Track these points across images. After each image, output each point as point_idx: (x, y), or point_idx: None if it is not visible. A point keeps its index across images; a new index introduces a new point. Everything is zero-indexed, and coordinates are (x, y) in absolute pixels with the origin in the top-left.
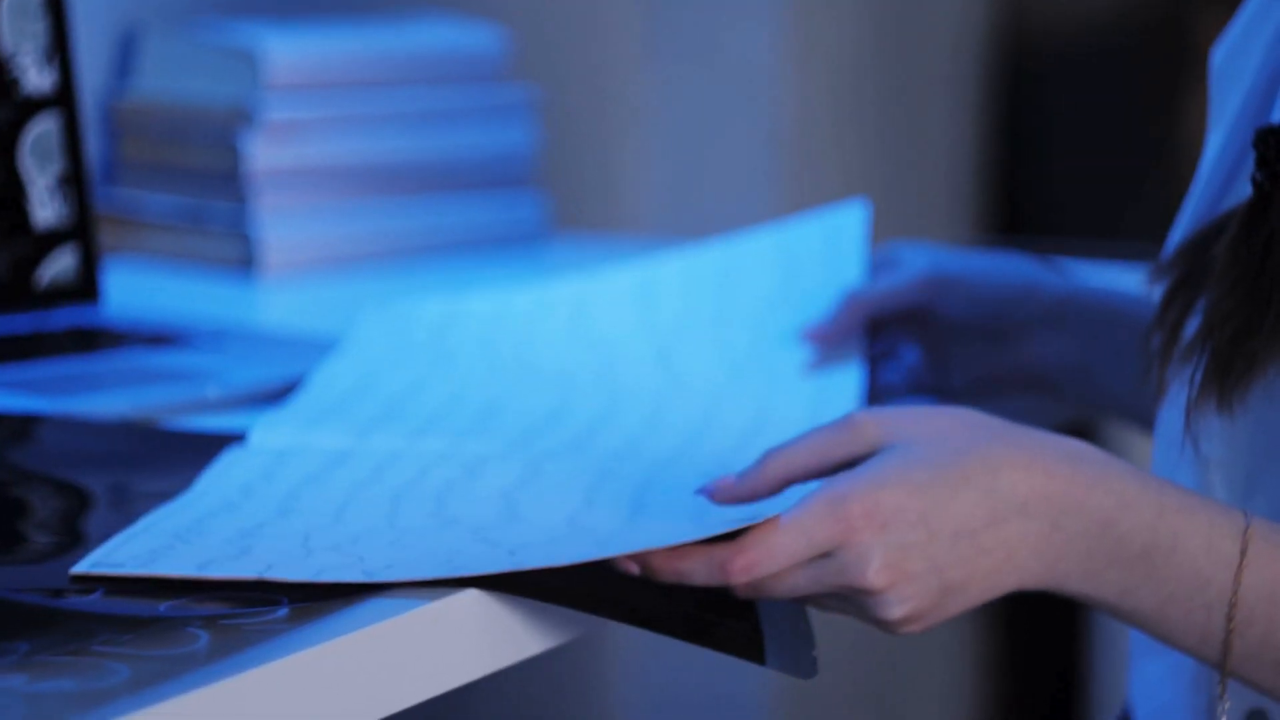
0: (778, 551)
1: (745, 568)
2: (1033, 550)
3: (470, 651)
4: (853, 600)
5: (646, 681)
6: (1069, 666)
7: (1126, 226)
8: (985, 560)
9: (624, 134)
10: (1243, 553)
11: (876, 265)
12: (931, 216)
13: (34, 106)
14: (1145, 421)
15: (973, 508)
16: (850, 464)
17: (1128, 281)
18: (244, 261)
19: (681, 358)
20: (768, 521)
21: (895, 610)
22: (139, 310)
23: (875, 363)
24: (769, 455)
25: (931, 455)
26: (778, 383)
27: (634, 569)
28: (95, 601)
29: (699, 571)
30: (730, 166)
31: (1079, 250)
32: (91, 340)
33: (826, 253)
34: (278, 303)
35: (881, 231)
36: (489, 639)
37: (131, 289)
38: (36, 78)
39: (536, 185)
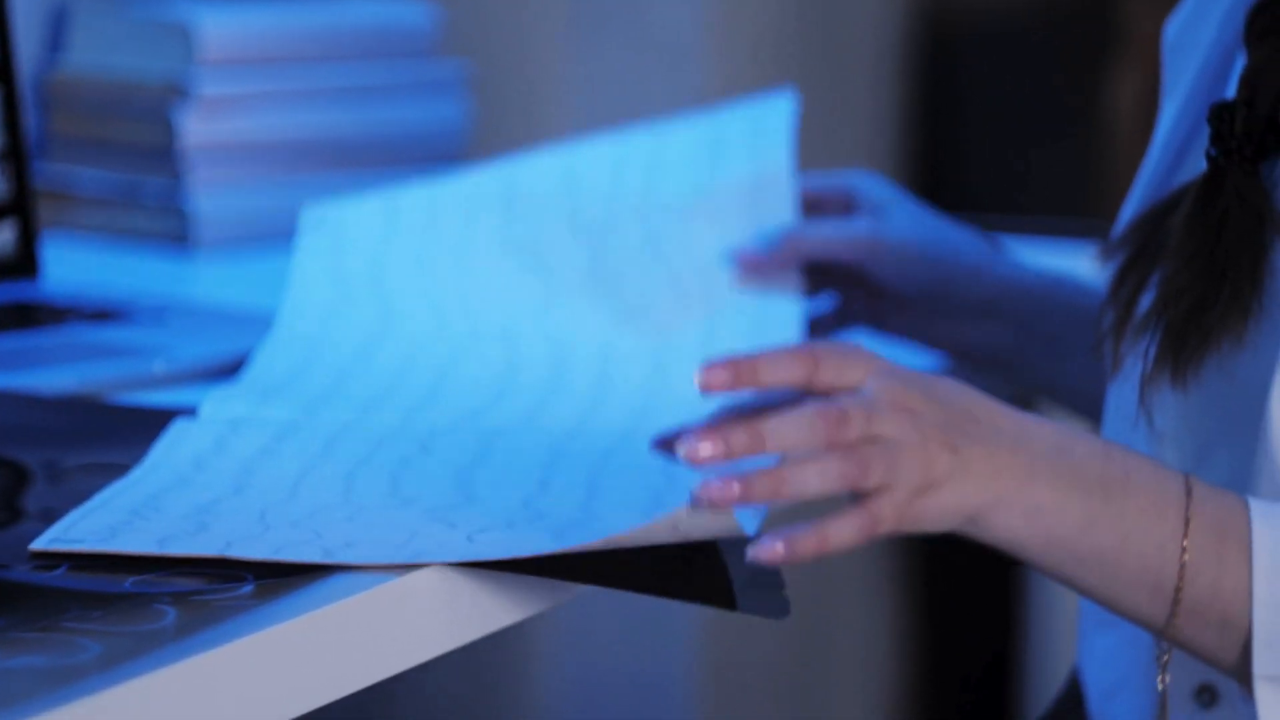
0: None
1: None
2: (1005, 464)
3: (437, 626)
4: (856, 449)
5: (571, 667)
6: (1003, 642)
7: (1045, 203)
8: (980, 433)
9: (551, 108)
10: (1189, 488)
11: (831, 193)
12: None
13: None
14: (1075, 404)
15: (951, 399)
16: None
17: (1062, 263)
18: (179, 236)
19: (617, 264)
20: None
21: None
22: (78, 286)
23: (807, 301)
24: (762, 354)
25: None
26: (721, 317)
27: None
28: (60, 577)
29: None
30: None
31: (995, 226)
32: (32, 316)
33: (753, 141)
34: (213, 277)
35: None
36: (455, 614)
37: (68, 264)
38: None
39: (467, 160)
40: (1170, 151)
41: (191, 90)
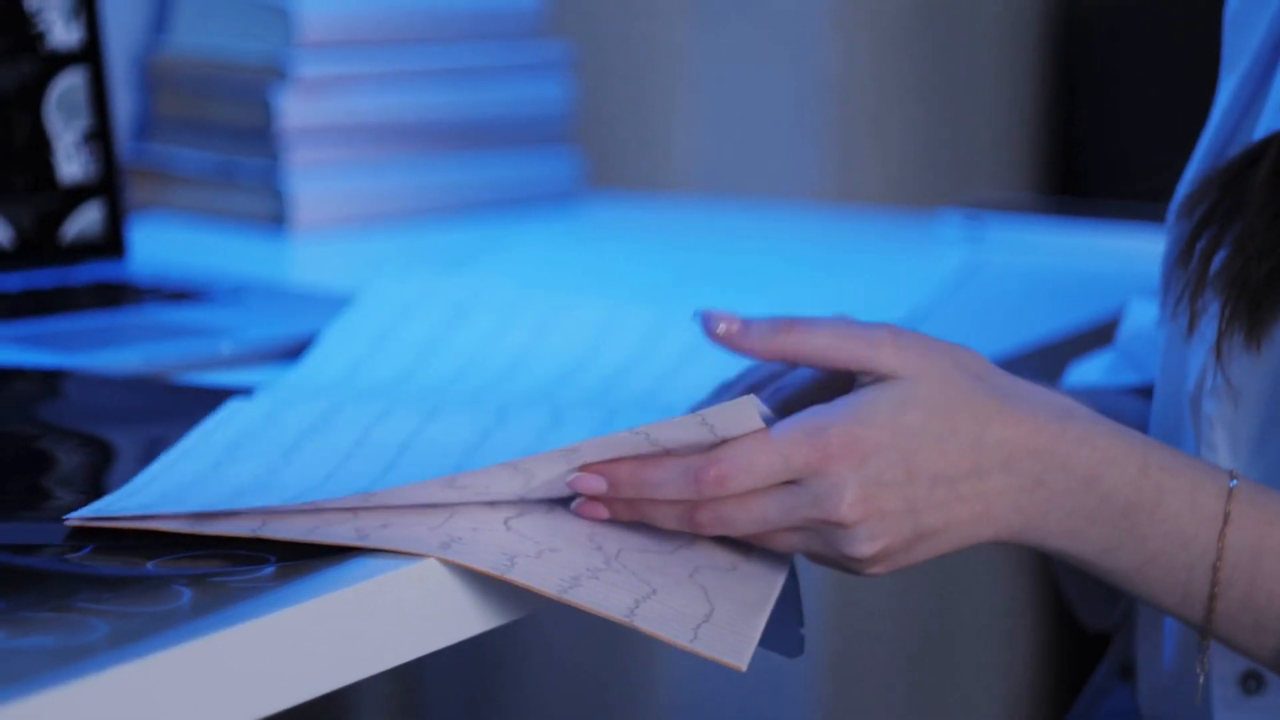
0: (753, 467)
1: (718, 478)
2: (1012, 504)
3: (458, 612)
4: (822, 534)
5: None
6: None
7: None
8: (962, 509)
9: (669, 91)
10: (1227, 512)
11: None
12: (983, 173)
13: (60, 61)
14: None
15: (956, 457)
16: (846, 381)
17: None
18: (275, 217)
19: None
20: (746, 437)
21: (865, 546)
22: (165, 266)
23: None
24: (786, 322)
25: (925, 398)
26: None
27: (600, 485)
28: (80, 562)
29: (669, 482)
30: (775, 122)
31: (1140, 213)
32: (114, 295)
33: None
34: (307, 258)
35: (933, 189)
36: (477, 599)
37: (162, 244)
38: (63, 32)
39: (572, 143)
40: (1229, 122)
41: (290, 71)
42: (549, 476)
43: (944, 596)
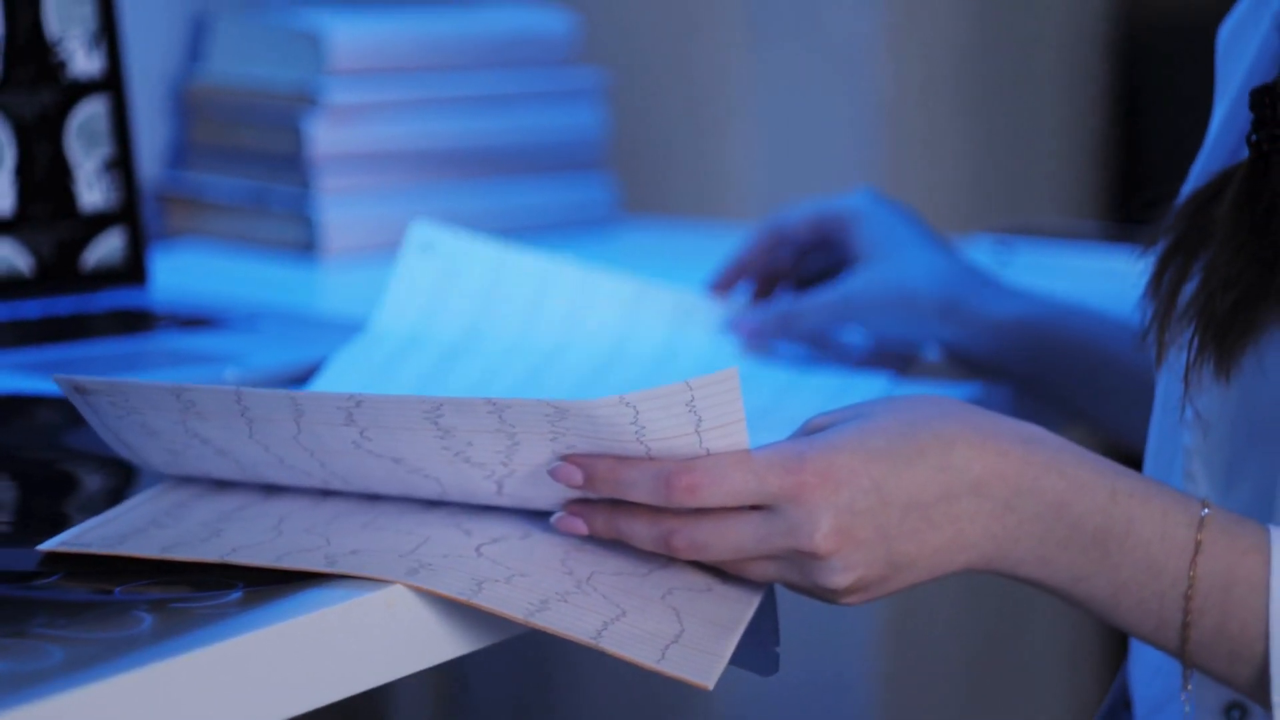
0: (726, 481)
1: (690, 486)
2: (984, 530)
3: (426, 638)
4: (796, 564)
5: None
6: None
7: None
8: (935, 535)
9: (720, 115)
10: (1198, 541)
11: (823, 230)
12: (1038, 198)
13: (81, 90)
14: (1122, 434)
15: (926, 481)
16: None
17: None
18: (306, 244)
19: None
20: (724, 454)
21: (839, 578)
22: (187, 293)
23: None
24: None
25: (889, 425)
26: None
27: (577, 477)
28: (45, 586)
29: (642, 483)
30: (827, 146)
31: None
32: (131, 323)
33: None
34: (337, 285)
35: (987, 213)
36: (446, 625)
37: (192, 271)
38: (84, 61)
39: (606, 169)
40: (1220, 150)
41: (321, 99)
42: (530, 436)
43: (1005, 611)
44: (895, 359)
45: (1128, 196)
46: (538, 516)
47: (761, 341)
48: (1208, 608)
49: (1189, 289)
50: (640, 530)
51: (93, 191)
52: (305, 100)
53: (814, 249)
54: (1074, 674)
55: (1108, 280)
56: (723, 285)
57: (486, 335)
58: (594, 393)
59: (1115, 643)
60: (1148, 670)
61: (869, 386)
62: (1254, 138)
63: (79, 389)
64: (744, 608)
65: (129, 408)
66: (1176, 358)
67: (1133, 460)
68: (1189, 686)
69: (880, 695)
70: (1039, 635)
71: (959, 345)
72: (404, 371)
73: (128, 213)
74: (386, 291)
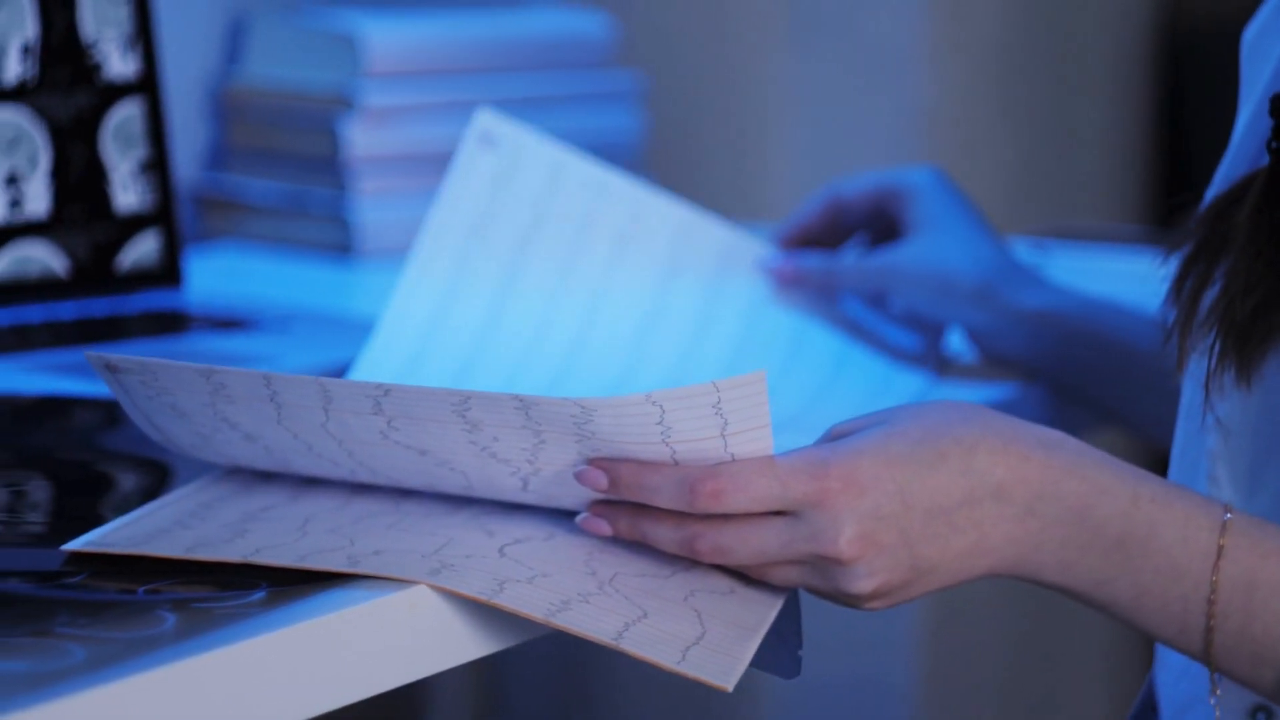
0: (750, 487)
1: (714, 492)
2: (1006, 535)
3: (448, 638)
4: (820, 569)
5: None
6: None
7: None
8: (958, 540)
9: (761, 121)
10: (1220, 545)
11: (877, 201)
12: (1085, 204)
13: (117, 92)
14: (1149, 433)
15: (948, 485)
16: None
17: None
18: (343, 246)
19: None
20: (749, 460)
21: (863, 583)
22: (222, 295)
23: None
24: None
25: (911, 430)
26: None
27: (602, 481)
28: (72, 588)
29: (666, 489)
30: (868, 152)
31: None
32: (165, 324)
33: None
34: (372, 287)
35: (1028, 218)
36: (468, 626)
37: (228, 273)
38: (120, 63)
39: (644, 172)
40: (1245, 153)
41: (357, 101)
42: (556, 435)
43: (1042, 614)
44: (933, 359)
45: (1171, 200)
46: (562, 518)
47: (797, 288)
48: (1230, 611)
49: (1210, 295)
50: (664, 534)
51: (128, 193)
52: (342, 103)
53: (870, 219)
54: (1111, 678)
55: (1144, 284)
56: (787, 244)
57: (533, 261)
58: (630, 365)
59: (1148, 646)
60: (1173, 673)
61: (904, 390)
62: (1274, 144)
63: (110, 367)
64: (767, 610)
65: (159, 388)
66: (1198, 364)
67: (1163, 460)
68: (1218, 691)
69: (920, 695)
70: (1076, 638)
71: (987, 334)
72: (450, 339)
73: (163, 215)
74: (442, 184)
